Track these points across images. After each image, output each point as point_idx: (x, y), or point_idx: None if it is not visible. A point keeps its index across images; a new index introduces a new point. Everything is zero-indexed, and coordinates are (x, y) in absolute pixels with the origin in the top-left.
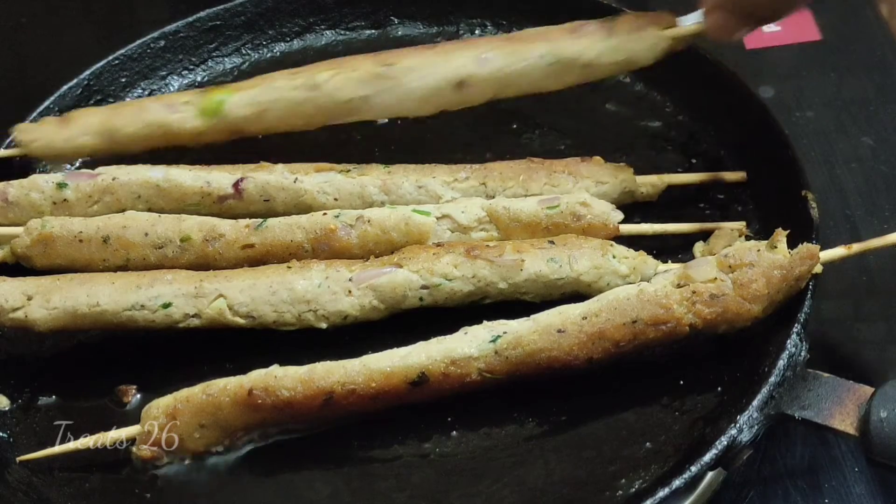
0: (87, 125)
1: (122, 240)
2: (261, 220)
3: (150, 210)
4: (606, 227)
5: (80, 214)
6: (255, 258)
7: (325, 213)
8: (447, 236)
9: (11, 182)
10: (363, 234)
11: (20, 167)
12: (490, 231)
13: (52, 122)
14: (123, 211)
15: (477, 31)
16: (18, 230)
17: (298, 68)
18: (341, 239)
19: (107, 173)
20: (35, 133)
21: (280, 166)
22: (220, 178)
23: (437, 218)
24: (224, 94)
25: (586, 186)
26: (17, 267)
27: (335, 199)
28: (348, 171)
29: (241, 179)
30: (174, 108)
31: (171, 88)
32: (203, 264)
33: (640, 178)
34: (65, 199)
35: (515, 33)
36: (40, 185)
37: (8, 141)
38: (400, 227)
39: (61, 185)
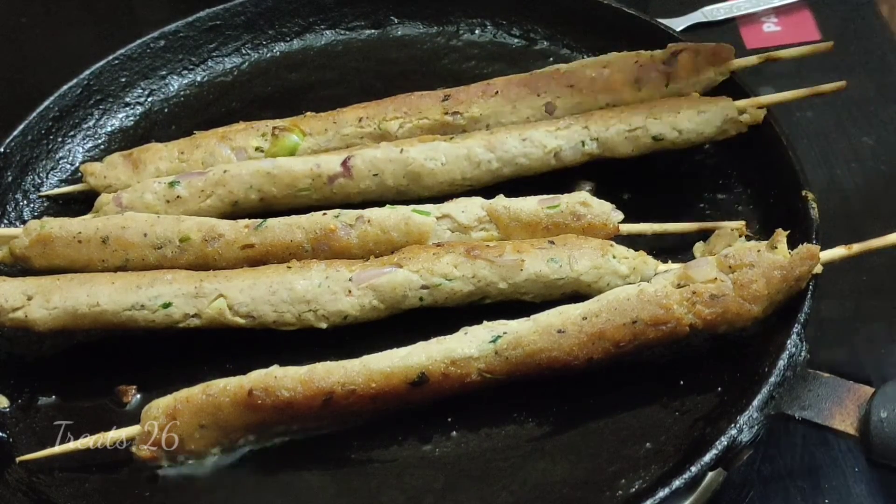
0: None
1: (121, 240)
2: (260, 220)
3: (262, 199)
4: (606, 227)
5: (194, 208)
6: (255, 258)
7: (324, 213)
8: (447, 236)
9: (122, 190)
10: (363, 234)
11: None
12: (490, 231)
13: (121, 163)
14: (236, 203)
15: (477, 31)
16: (18, 231)
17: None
18: (341, 239)
19: (217, 168)
20: (104, 173)
21: (384, 143)
22: (328, 159)
23: (437, 218)
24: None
25: (688, 116)
26: (16, 267)
27: (443, 164)
28: (451, 137)
29: (349, 157)
30: (242, 153)
31: (171, 88)
32: (202, 264)
33: (739, 103)
34: (178, 196)
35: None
36: (153, 186)
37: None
38: (400, 226)
39: (173, 184)
